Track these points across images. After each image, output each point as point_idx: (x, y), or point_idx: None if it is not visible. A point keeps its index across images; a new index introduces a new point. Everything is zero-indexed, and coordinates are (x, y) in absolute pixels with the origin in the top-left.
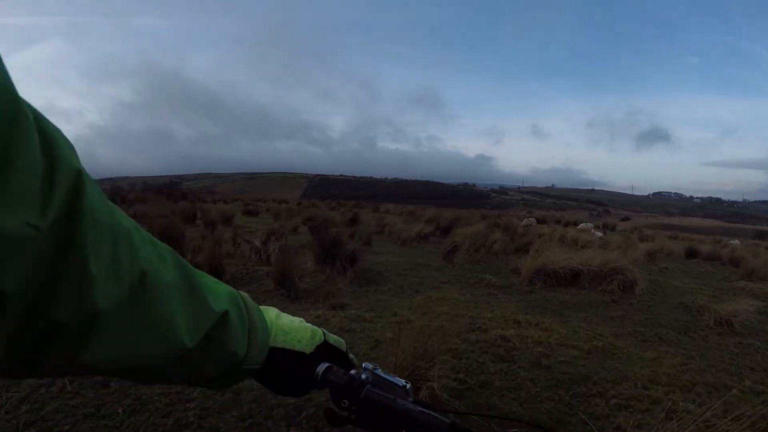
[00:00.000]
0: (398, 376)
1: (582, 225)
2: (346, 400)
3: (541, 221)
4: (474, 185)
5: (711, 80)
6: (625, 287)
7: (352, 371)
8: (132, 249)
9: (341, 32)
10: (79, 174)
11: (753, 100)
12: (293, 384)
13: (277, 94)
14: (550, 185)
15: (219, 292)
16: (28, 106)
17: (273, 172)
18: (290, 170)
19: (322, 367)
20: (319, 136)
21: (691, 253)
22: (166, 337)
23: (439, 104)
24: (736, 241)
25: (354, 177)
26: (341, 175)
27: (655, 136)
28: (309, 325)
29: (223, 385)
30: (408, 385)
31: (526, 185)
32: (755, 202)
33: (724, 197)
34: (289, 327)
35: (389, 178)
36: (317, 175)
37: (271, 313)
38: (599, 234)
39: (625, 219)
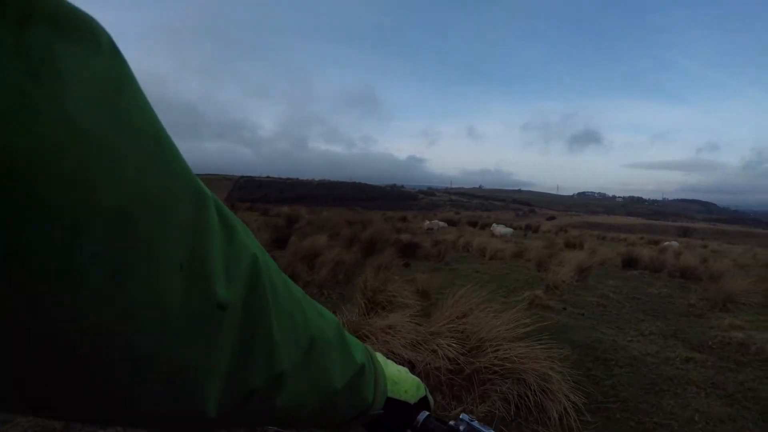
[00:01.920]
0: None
1: (494, 227)
2: None
3: (454, 223)
4: (402, 186)
5: (638, 88)
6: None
7: (451, 422)
8: (304, 316)
9: (276, 29)
10: (255, 257)
11: (676, 107)
12: (395, 431)
13: (206, 91)
14: (477, 186)
15: (357, 346)
16: (207, 191)
17: (198, 174)
18: (218, 172)
19: (422, 416)
20: (249, 136)
21: (630, 262)
22: (324, 386)
23: (375, 105)
24: (674, 243)
25: (280, 179)
26: (268, 177)
27: (587, 139)
28: (413, 376)
29: (349, 428)
30: None
31: (454, 186)
32: (674, 200)
33: (646, 196)
34: (398, 377)
35: (316, 179)
36: (243, 177)
37: (380, 358)
38: (505, 230)
39: (551, 218)
